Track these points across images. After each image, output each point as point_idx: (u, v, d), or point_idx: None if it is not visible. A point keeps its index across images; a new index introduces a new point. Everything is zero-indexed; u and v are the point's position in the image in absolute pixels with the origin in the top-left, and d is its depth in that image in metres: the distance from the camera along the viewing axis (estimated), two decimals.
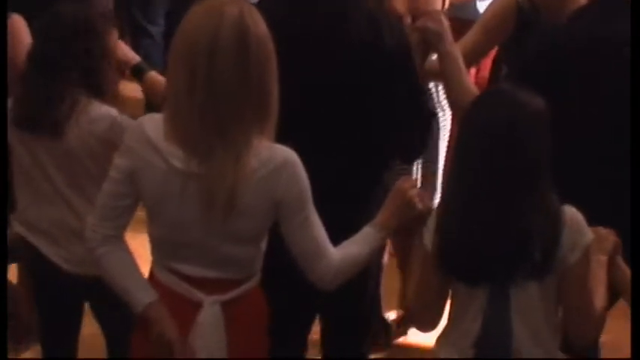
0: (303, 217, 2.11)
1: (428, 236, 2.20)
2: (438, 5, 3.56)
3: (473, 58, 3.10)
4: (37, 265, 2.78)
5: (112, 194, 2.15)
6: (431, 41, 2.74)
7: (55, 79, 2.63)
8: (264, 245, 2.18)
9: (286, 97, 2.09)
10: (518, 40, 3.01)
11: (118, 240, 2.18)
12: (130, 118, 2.60)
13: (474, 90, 2.71)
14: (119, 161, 2.14)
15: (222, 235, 2.11)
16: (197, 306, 2.13)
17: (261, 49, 2.04)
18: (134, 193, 2.13)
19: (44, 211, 2.70)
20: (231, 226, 2.08)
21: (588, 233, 2.16)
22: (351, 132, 2.44)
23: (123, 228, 2.20)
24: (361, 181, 2.48)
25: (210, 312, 2.13)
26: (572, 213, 2.16)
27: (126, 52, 3.06)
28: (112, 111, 2.65)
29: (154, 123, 2.10)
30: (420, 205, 2.22)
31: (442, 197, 2.40)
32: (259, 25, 2.05)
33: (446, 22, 2.74)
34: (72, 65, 2.63)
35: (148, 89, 3.07)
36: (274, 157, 2.07)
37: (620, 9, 2.58)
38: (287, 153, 2.10)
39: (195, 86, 2.00)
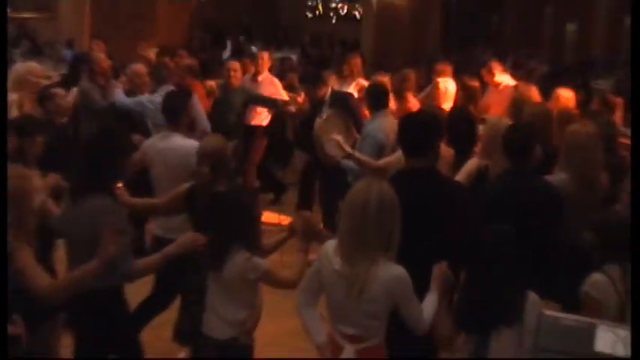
0: (411, 302, 3.50)
1: None
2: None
3: None
4: None
5: (307, 279, 3.73)
6: None
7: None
8: (385, 319, 3.52)
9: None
10: None
11: (315, 306, 3.71)
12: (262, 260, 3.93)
13: None
14: (313, 268, 3.67)
15: (358, 310, 3.47)
16: (341, 348, 3.58)
17: (392, 205, 3.47)
18: (319, 280, 3.63)
19: None
20: (363, 305, 3.45)
21: None
22: (432, 251, 3.81)
23: (312, 297, 3.69)
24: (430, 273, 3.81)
25: (348, 353, 3.53)
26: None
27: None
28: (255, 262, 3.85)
29: (331, 245, 3.57)
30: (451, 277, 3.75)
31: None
32: (391, 191, 3.49)
33: None
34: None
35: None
36: (393, 270, 3.45)
37: None
38: (400, 268, 3.47)
39: (354, 227, 3.44)
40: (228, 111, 8.36)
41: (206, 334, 3.94)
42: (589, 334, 3.25)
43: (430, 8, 17.17)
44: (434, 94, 7.73)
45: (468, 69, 10.58)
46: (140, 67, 7.88)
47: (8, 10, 14.98)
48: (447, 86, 7.79)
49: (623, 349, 3.17)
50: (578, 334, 3.26)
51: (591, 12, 18.12)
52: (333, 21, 21.42)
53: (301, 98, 8.71)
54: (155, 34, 13.03)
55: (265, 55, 9.41)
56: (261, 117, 9.16)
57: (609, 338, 3.23)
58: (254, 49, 16.66)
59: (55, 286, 3.57)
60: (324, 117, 7.23)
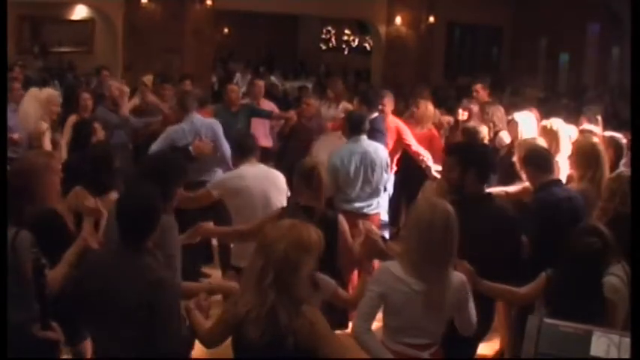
0: (470, 304, 3.58)
1: None
2: None
3: None
4: None
5: (368, 305, 3.47)
6: None
7: None
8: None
9: None
10: None
11: (370, 329, 3.47)
12: None
13: None
14: (373, 287, 3.48)
15: (435, 321, 3.51)
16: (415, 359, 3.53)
17: (455, 225, 3.45)
18: (380, 305, 3.48)
19: None
20: (440, 316, 3.49)
21: None
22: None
23: (372, 323, 3.48)
24: None
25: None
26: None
27: None
28: None
29: (394, 268, 3.47)
30: None
31: None
32: (452, 210, 3.48)
33: None
34: None
35: None
36: (458, 277, 3.54)
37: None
38: (462, 275, 3.57)
39: (430, 246, 3.40)
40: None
41: None
42: (586, 339, 3.27)
43: (434, 41, 17.25)
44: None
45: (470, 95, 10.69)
46: None
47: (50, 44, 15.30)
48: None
49: (616, 352, 3.20)
50: (575, 339, 3.28)
51: (582, 43, 18.10)
52: (345, 52, 21.43)
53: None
54: (183, 66, 13.11)
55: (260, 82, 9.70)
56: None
57: (603, 343, 3.24)
58: (273, 78, 16.84)
59: None
60: (321, 138, 7.49)
